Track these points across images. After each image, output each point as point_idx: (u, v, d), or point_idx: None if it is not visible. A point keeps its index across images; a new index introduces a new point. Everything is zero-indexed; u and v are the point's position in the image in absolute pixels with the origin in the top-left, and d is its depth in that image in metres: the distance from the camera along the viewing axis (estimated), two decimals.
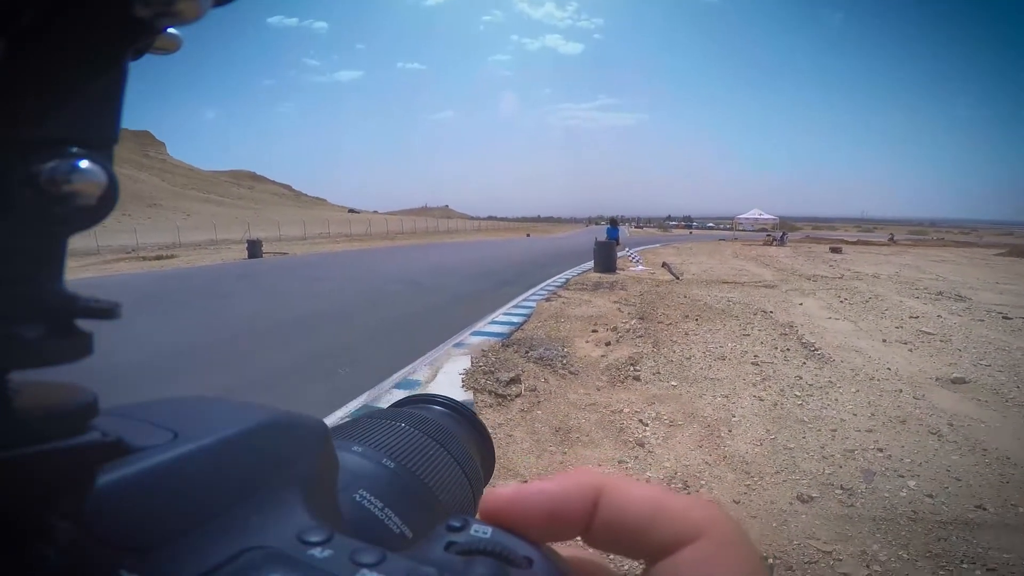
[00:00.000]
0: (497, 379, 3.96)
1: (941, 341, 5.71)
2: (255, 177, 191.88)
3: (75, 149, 0.12)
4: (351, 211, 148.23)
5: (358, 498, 0.22)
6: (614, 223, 13.11)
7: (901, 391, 4.12)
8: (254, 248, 20.33)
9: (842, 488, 2.73)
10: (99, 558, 0.12)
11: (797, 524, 2.47)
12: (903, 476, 2.83)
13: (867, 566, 2.16)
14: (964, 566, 2.13)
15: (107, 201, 0.13)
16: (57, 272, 0.13)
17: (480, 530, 0.16)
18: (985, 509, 2.50)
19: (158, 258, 20.31)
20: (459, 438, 0.31)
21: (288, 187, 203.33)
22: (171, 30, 0.15)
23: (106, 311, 0.14)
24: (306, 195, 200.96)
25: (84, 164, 0.12)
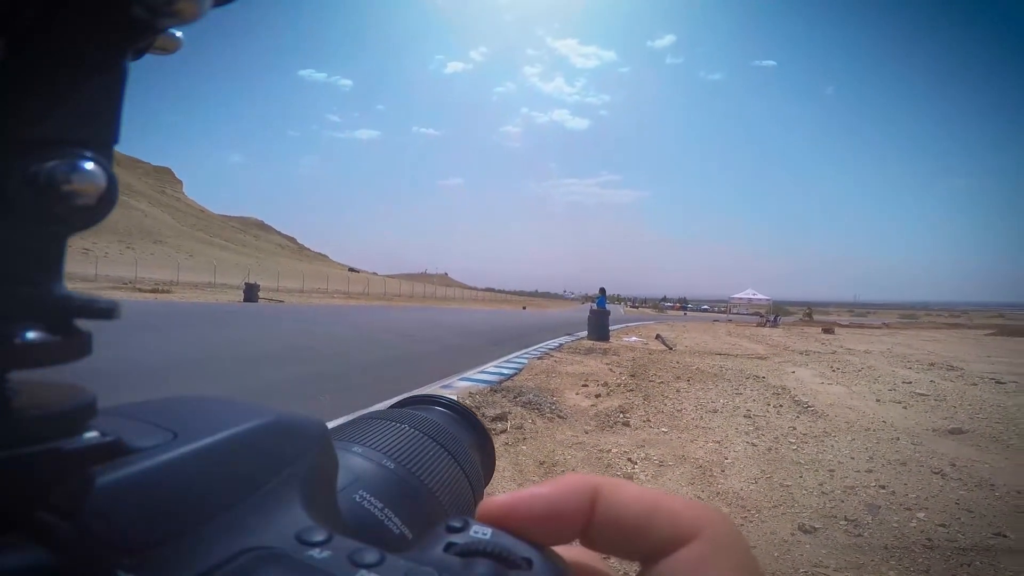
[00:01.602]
0: (483, 414, 3.80)
1: (935, 400, 5.60)
2: (262, 226, 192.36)
3: (75, 149, 0.12)
4: (351, 270, 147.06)
5: (358, 498, 0.22)
6: (603, 292, 13.35)
7: (898, 439, 3.98)
8: (250, 292, 20.09)
9: (847, 519, 2.55)
10: (98, 558, 0.12)
11: (801, 553, 2.27)
12: (910, 509, 2.66)
13: None
14: None
15: (107, 201, 0.12)
16: (57, 272, 0.13)
17: (480, 531, 0.16)
18: (1005, 536, 2.36)
19: (153, 291, 20.06)
20: (459, 439, 0.31)
21: (293, 239, 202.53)
22: (172, 31, 0.15)
23: (105, 311, 0.14)
24: (309, 249, 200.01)
25: (84, 164, 0.12)
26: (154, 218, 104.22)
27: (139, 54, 0.14)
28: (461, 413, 0.35)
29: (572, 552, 0.17)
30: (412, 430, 0.28)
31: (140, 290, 20.51)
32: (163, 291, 21.26)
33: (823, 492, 2.91)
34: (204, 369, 5.54)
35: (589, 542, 0.17)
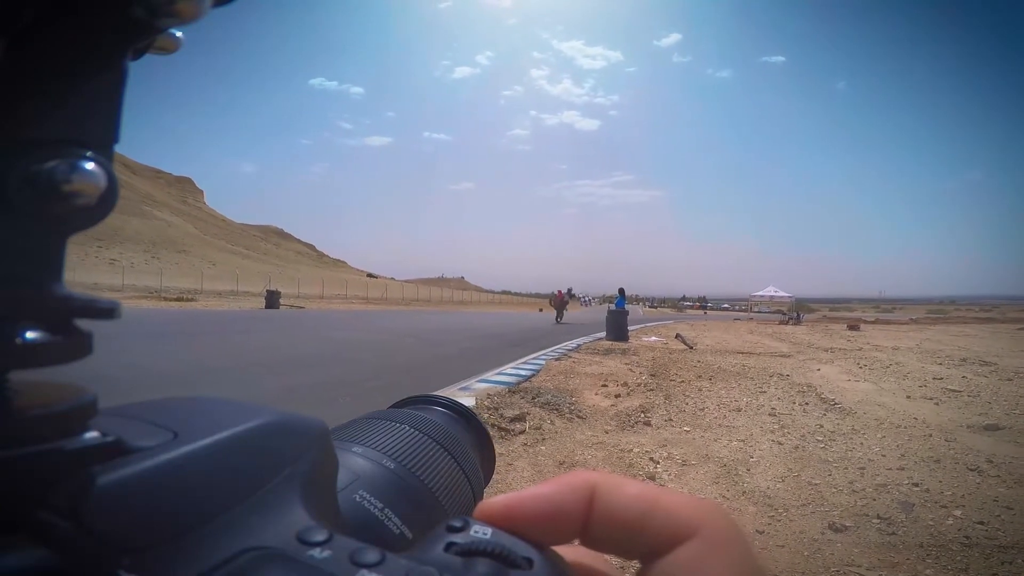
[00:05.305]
0: (501, 415, 3.80)
1: (969, 396, 5.41)
2: (282, 234, 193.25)
3: (75, 149, 0.12)
4: (370, 275, 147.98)
5: (358, 498, 0.22)
6: (622, 293, 13.33)
7: (931, 435, 3.85)
8: (272, 299, 20.75)
9: (879, 518, 2.47)
10: (99, 558, 0.12)
11: (832, 552, 2.21)
12: (946, 507, 2.57)
13: None
14: None
15: (107, 201, 0.13)
16: (57, 272, 0.13)
17: (480, 531, 0.16)
18: None
19: (178, 300, 20.75)
20: (459, 439, 0.31)
21: (311, 247, 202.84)
22: (172, 31, 0.15)
23: (105, 311, 0.14)
24: (328, 256, 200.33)
25: (84, 164, 0.12)
26: (177, 228, 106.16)
27: (139, 54, 0.14)
28: (461, 413, 0.35)
29: (573, 552, 0.17)
30: (412, 430, 0.28)
31: (166, 299, 21.29)
32: (187, 299, 21.98)
33: (853, 490, 2.83)
34: (222, 375, 5.66)
35: (589, 541, 0.16)
